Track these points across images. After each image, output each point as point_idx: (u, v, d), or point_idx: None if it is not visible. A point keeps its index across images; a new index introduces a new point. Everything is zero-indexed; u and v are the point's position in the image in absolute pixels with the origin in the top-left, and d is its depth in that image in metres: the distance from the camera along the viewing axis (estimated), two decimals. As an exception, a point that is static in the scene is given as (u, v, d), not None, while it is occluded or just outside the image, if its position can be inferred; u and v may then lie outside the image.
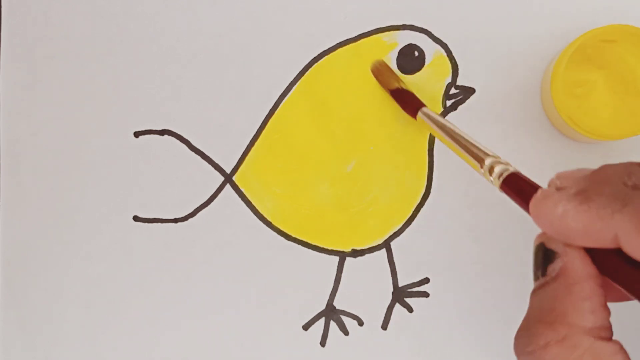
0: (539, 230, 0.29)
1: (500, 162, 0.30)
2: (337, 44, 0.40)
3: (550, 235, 0.25)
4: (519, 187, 0.28)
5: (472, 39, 0.39)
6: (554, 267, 0.25)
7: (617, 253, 0.23)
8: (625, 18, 0.37)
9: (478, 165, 0.31)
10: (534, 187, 0.27)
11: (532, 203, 0.25)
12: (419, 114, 0.36)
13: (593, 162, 0.38)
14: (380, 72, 0.39)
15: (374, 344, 0.40)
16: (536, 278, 0.26)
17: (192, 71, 0.40)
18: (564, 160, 0.38)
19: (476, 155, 0.32)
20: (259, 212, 0.40)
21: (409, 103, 0.37)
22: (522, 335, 0.25)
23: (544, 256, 0.26)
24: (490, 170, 0.30)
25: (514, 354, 0.25)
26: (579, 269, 0.24)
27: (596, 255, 0.24)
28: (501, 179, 0.29)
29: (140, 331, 0.40)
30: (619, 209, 0.22)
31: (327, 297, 0.40)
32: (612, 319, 0.24)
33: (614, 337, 0.24)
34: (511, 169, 0.29)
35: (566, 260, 0.24)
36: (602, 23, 0.36)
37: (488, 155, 0.31)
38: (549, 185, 0.26)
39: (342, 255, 0.40)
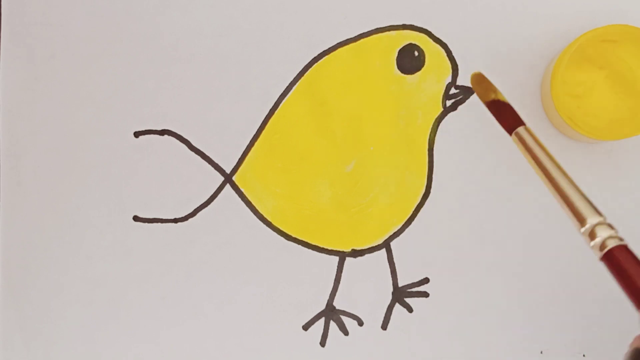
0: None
1: (605, 226, 0.25)
2: (337, 44, 0.40)
3: None
4: (624, 267, 0.24)
5: (472, 39, 0.39)
6: None
7: None
8: (625, 18, 0.37)
9: (576, 220, 0.26)
10: None
11: None
12: (513, 135, 0.31)
13: (593, 162, 0.38)
14: (478, 81, 0.35)
15: (374, 344, 0.40)
16: None
17: (192, 71, 0.40)
18: (564, 160, 0.38)
19: (576, 209, 0.26)
20: (259, 212, 0.40)
21: (507, 118, 0.32)
22: None
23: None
24: (592, 234, 0.25)
25: None
26: None
27: None
28: (604, 251, 0.24)
29: (140, 331, 0.40)
30: None
31: (327, 297, 0.40)
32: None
33: None
34: (617, 241, 0.24)
35: None
36: (602, 23, 0.36)
37: (594, 213, 0.25)
38: None
39: (342, 255, 0.40)
